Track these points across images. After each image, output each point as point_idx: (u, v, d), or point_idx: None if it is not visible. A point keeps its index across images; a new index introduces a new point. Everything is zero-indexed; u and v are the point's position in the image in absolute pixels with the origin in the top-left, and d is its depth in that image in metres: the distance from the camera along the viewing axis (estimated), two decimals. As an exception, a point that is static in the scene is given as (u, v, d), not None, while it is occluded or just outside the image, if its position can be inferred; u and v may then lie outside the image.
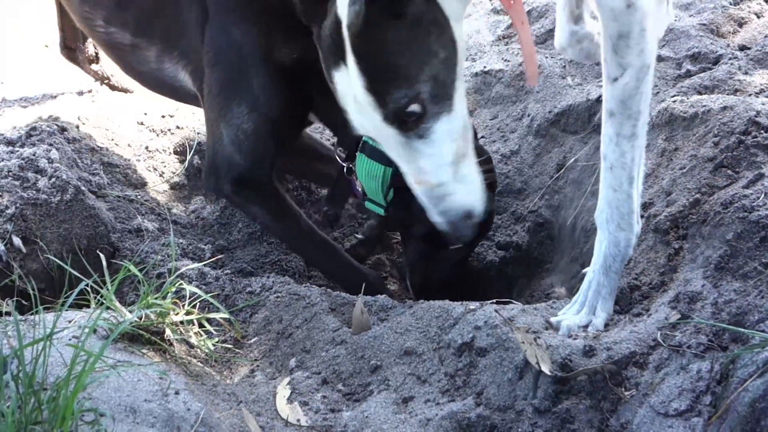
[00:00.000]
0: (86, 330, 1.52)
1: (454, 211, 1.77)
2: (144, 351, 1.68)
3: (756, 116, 1.94)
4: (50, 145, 2.37)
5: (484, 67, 3.02)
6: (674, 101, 2.21)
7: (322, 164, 2.59)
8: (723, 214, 1.76)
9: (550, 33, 2.89)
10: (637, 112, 1.68)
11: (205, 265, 2.16)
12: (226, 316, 1.90)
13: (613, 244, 1.76)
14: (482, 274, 2.51)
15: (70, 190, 2.21)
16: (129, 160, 2.68)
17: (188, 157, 2.77)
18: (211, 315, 1.89)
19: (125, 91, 3.02)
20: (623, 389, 1.58)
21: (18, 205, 2.12)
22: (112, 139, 2.72)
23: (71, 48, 2.98)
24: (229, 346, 1.92)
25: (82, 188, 2.26)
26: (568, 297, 2.11)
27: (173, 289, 1.84)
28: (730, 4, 2.79)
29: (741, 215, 1.73)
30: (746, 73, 2.37)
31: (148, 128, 2.83)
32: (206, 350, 1.84)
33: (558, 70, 2.79)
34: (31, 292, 1.73)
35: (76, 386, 1.31)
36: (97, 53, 2.96)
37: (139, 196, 2.53)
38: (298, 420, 1.66)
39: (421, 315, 1.86)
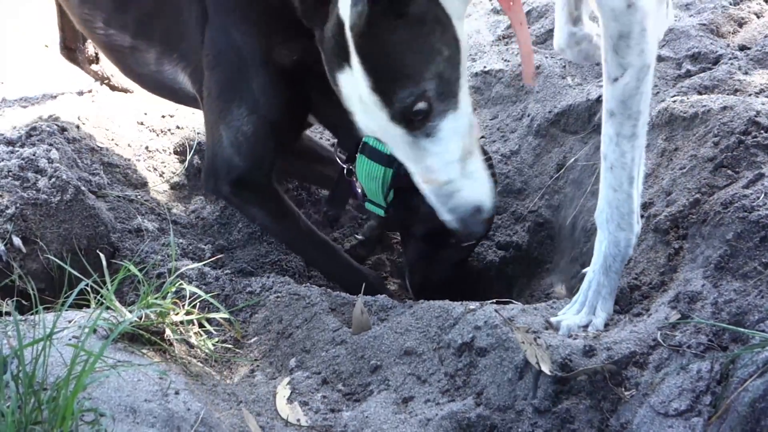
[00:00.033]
0: (86, 330, 1.52)
1: (464, 208, 1.76)
2: (144, 351, 1.67)
3: (756, 116, 1.94)
4: (50, 145, 2.37)
5: (484, 67, 3.02)
6: (674, 101, 2.21)
7: (322, 166, 2.59)
8: (723, 214, 1.76)
9: (550, 33, 2.89)
10: (637, 112, 1.68)
11: (205, 265, 2.16)
12: (226, 316, 1.90)
13: (613, 244, 1.76)
14: (482, 274, 2.51)
15: (70, 190, 2.21)
16: (129, 160, 2.68)
17: (188, 157, 2.77)
18: (211, 315, 1.89)
19: (125, 91, 3.02)
20: (623, 389, 1.58)
21: (18, 205, 2.12)
22: (112, 139, 2.72)
23: (71, 48, 2.98)
24: (229, 346, 1.92)
25: (82, 188, 2.26)
26: (568, 297, 2.11)
27: (173, 289, 1.84)
28: (730, 4, 2.79)
29: (741, 215, 1.73)
30: (746, 73, 2.37)
31: (148, 128, 2.83)
32: (206, 350, 1.84)
33: (558, 70, 2.79)
34: (31, 292, 1.73)
35: (76, 386, 1.31)
36: (96, 54, 2.96)
37: (139, 196, 2.53)
38: (298, 420, 1.66)
39: (421, 315, 1.85)
